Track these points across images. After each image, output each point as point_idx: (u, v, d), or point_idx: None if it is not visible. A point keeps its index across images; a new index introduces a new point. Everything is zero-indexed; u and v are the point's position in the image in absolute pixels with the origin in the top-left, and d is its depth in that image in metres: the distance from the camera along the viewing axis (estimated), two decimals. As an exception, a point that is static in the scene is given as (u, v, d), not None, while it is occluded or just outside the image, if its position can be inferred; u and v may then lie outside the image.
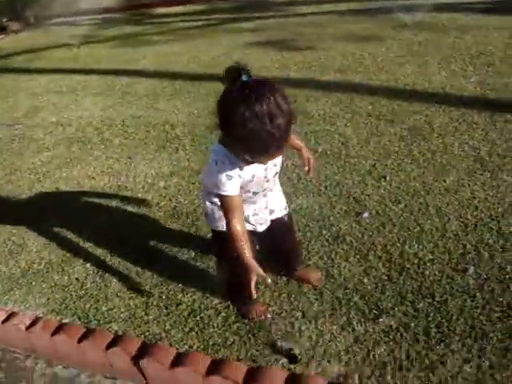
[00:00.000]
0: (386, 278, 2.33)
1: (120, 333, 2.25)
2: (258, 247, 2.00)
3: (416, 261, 2.41)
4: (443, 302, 2.15)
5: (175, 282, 2.49)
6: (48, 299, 2.54)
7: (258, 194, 1.92)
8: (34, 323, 2.30)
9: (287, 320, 2.18)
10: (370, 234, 2.63)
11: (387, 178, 3.08)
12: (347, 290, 2.29)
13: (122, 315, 2.36)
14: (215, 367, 1.91)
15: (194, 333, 2.19)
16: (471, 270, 2.30)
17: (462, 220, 2.64)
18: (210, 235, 2.67)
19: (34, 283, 2.67)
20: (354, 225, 2.71)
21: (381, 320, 2.11)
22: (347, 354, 1.99)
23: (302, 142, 2.12)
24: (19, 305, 2.53)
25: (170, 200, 3.20)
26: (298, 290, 2.32)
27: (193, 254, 2.67)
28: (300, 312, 2.21)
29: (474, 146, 3.32)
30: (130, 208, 3.20)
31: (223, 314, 2.26)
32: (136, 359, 2.01)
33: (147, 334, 2.23)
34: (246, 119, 1.43)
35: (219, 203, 1.85)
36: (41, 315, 2.42)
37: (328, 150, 3.50)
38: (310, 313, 2.19)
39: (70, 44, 8.16)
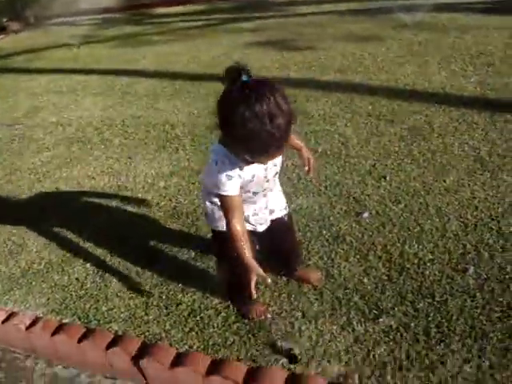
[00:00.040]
0: (386, 277, 2.33)
1: (120, 333, 2.25)
2: (257, 247, 2.00)
3: (416, 261, 2.41)
4: (443, 302, 2.15)
5: (175, 282, 2.49)
6: (48, 299, 2.54)
7: (258, 194, 1.92)
8: (33, 323, 2.30)
9: (287, 320, 2.18)
10: (370, 233, 2.63)
11: (387, 178, 3.08)
12: (347, 290, 2.29)
13: (122, 315, 2.36)
14: (215, 367, 1.91)
15: (193, 333, 2.19)
16: (471, 269, 2.30)
17: (462, 220, 2.64)
18: (209, 235, 2.67)
19: (33, 283, 2.67)
20: (354, 225, 2.71)
21: (381, 320, 2.11)
22: (347, 353, 1.99)
23: (302, 142, 2.12)
24: (19, 305, 2.53)
25: (170, 200, 3.20)
26: (298, 290, 2.32)
27: (193, 254, 2.68)
28: (300, 312, 2.21)
29: (474, 146, 3.32)
30: (129, 208, 3.20)
31: (223, 314, 2.26)
32: (136, 359, 2.01)
33: (147, 333, 2.23)
34: (246, 119, 1.43)
35: (219, 203, 1.85)
36: (41, 315, 2.42)
37: (328, 150, 3.50)
38: (310, 313, 2.19)
39: (70, 44, 8.16)
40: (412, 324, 2.07)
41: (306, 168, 2.12)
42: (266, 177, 1.86)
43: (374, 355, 1.97)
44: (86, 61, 7.12)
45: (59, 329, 2.22)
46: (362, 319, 2.13)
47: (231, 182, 1.71)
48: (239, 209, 1.77)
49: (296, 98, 4.41)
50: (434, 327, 2.04)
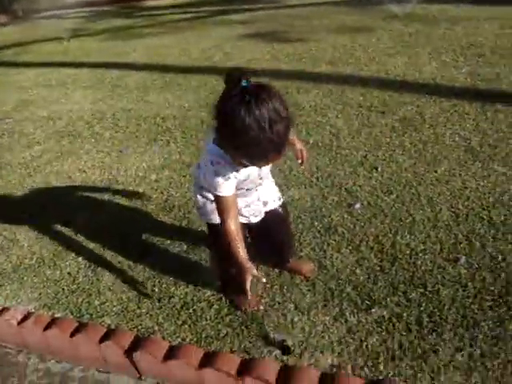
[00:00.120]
0: (378, 268, 2.34)
1: (113, 326, 2.24)
2: (249, 239, 2.00)
3: (408, 251, 2.41)
4: (435, 292, 2.16)
5: (167, 275, 2.49)
6: (40, 294, 2.53)
7: (251, 190, 1.93)
8: (25, 318, 2.28)
9: (280, 311, 2.18)
10: (362, 224, 2.64)
11: (379, 169, 3.09)
12: (340, 281, 2.29)
13: (114, 309, 2.35)
14: (208, 359, 1.91)
15: (186, 325, 2.19)
16: (463, 259, 2.31)
17: (453, 210, 2.65)
18: (201, 228, 2.69)
19: (25, 278, 2.65)
20: (345, 216, 2.72)
21: (373, 310, 2.12)
22: (340, 344, 2.00)
23: (294, 134, 2.11)
24: (11, 300, 2.52)
25: (162, 193, 3.19)
26: (291, 282, 2.32)
27: (185, 246, 2.67)
28: (292, 303, 2.21)
29: (465, 137, 3.33)
30: (121, 201, 3.18)
31: (216, 306, 2.26)
32: (129, 352, 2.00)
33: (140, 327, 2.22)
34: (247, 126, 1.42)
35: (212, 198, 1.86)
36: (33, 310, 2.41)
37: (319, 142, 3.50)
38: (303, 304, 2.20)
39: (60, 37, 8.09)
40: (404, 314, 2.08)
41: (299, 160, 2.11)
42: (259, 174, 1.86)
43: (366, 345, 1.98)
44: (75, 54, 7.08)
45: (51, 323, 2.21)
46: (355, 310, 2.14)
47: (227, 183, 1.72)
48: (234, 208, 1.78)
49: (287, 90, 4.41)
50: (426, 317, 2.05)
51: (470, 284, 2.18)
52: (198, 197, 2.01)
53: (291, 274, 2.36)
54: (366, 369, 1.89)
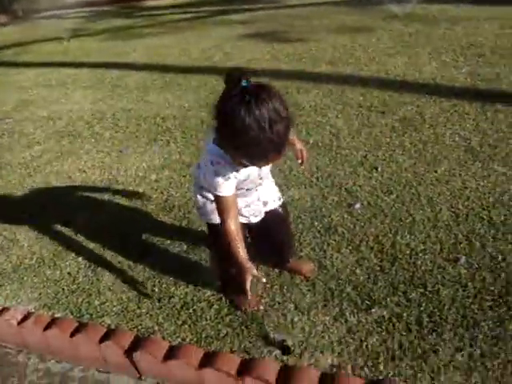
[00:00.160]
0: (378, 268, 2.34)
1: (113, 326, 2.24)
2: (249, 239, 2.00)
3: (408, 251, 2.41)
4: (435, 292, 2.16)
5: (167, 275, 2.49)
6: (40, 294, 2.53)
7: (251, 190, 1.93)
8: (25, 318, 2.28)
9: (280, 311, 2.18)
10: (362, 224, 2.64)
11: (379, 169, 3.09)
12: (340, 281, 2.29)
13: (114, 309, 2.35)
14: (208, 359, 1.91)
15: (186, 325, 2.19)
16: (463, 259, 2.31)
17: (453, 210, 2.65)
18: (201, 228, 2.69)
19: (25, 278, 2.65)
20: (345, 216, 2.72)
21: (373, 310, 2.12)
22: (340, 344, 2.00)
23: (294, 134, 2.11)
24: (11, 300, 2.52)
25: (162, 193, 3.19)
26: (291, 282, 2.32)
27: (185, 246, 2.67)
28: (292, 303, 2.21)
29: (465, 137, 3.33)
30: (121, 201, 3.18)
31: (216, 306, 2.26)
32: (129, 352, 2.01)
33: (140, 327, 2.22)
34: (247, 126, 1.42)
35: (212, 198, 1.86)
36: (33, 310, 2.41)
37: (319, 142, 3.50)
38: (303, 304, 2.20)
39: (60, 37, 8.09)
40: (404, 314, 2.08)
41: (299, 160, 2.11)
42: (259, 174, 1.87)
43: (366, 345, 1.98)
44: (75, 54, 7.08)
45: (51, 323, 2.20)
46: (355, 310, 2.14)
47: (227, 183, 1.72)
48: (234, 208, 1.79)
49: (287, 90, 4.42)
50: (426, 317, 2.05)
51: (470, 284, 2.18)
52: (198, 197, 2.01)
53: (291, 273, 2.36)
54: (366, 369, 1.89)
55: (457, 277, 2.23)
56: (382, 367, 1.88)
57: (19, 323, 2.26)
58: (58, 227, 3.01)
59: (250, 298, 1.70)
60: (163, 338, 2.14)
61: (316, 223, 2.69)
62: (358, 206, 2.77)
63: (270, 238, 2.19)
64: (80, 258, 2.72)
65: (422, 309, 2.09)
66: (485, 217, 2.57)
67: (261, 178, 1.90)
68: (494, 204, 2.66)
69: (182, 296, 2.35)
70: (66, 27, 8.86)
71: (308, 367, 1.90)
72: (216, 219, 1.92)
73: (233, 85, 1.47)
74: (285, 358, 1.97)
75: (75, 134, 4.32)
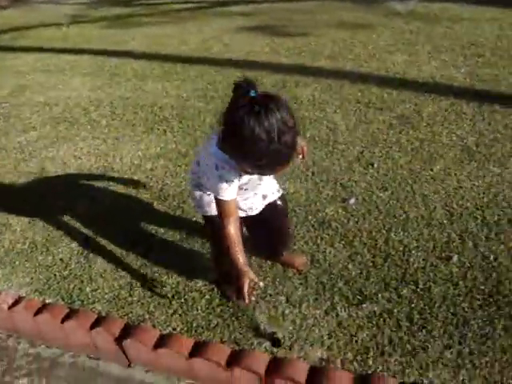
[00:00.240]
0: (370, 264, 2.35)
1: (104, 313, 2.24)
2: (245, 231, 2.00)
3: (401, 248, 2.42)
4: (426, 290, 2.18)
5: (160, 264, 2.49)
6: (32, 279, 2.52)
7: (249, 189, 1.93)
8: (16, 303, 2.28)
9: (271, 304, 2.18)
10: (356, 220, 2.64)
11: (375, 165, 3.09)
12: (332, 276, 2.30)
13: (105, 296, 2.35)
14: (198, 349, 1.92)
15: (177, 315, 2.20)
16: (455, 258, 2.32)
17: (447, 209, 2.66)
18: (195, 218, 2.70)
19: (17, 263, 2.65)
20: (340, 211, 2.72)
21: (364, 306, 2.13)
22: (330, 338, 2.01)
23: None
24: (2, 284, 2.51)
25: (157, 182, 3.18)
26: (283, 275, 2.33)
27: (178, 236, 2.67)
28: (284, 296, 2.22)
29: (462, 136, 3.33)
30: (116, 189, 3.17)
31: (207, 296, 2.27)
32: (119, 340, 2.01)
33: (131, 315, 2.23)
34: (256, 137, 1.41)
35: (209, 192, 1.89)
36: (24, 295, 2.41)
37: (316, 136, 3.50)
38: (294, 297, 2.20)
39: (59, 23, 8.04)
40: (395, 310, 2.09)
41: (300, 156, 2.11)
42: (260, 178, 1.88)
43: (356, 340, 1.99)
44: (75, 40, 7.02)
45: (42, 309, 2.21)
46: (346, 304, 2.15)
47: (230, 188, 1.73)
48: (235, 212, 1.79)
49: (286, 84, 4.41)
50: (417, 314, 2.06)
51: (461, 282, 2.19)
52: (195, 189, 2.01)
53: (284, 266, 2.36)
54: (355, 363, 1.90)
55: (448, 275, 2.24)
56: (371, 362, 1.90)
57: (10, 307, 2.26)
58: (52, 213, 3.00)
59: (247, 302, 1.70)
60: (154, 326, 2.14)
61: (310, 217, 2.69)
62: (352, 201, 2.78)
63: (267, 229, 2.19)
64: (73, 245, 2.72)
65: (412, 305, 2.10)
66: (478, 216, 2.58)
67: (261, 180, 1.91)
68: (488, 204, 2.67)
69: (173, 285, 2.35)
70: (65, 13, 8.79)
71: (297, 360, 1.91)
72: (212, 211, 1.93)
73: (241, 95, 1.46)
74: (275, 350, 1.98)
75: (72, 120, 4.30)
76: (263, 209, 2.08)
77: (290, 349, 1.98)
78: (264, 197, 2.07)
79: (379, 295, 2.17)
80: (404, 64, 4.66)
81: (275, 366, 1.83)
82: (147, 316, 2.21)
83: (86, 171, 3.44)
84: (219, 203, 1.77)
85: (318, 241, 2.52)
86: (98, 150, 3.70)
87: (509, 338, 1.92)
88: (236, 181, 1.73)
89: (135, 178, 3.26)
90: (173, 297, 2.29)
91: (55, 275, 2.53)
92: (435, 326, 2.00)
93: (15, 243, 2.80)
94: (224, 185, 1.71)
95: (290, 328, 2.06)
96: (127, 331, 2.04)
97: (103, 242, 2.71)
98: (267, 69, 4.81)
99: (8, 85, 5.40)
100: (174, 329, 2.13)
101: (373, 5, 6.95)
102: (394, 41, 5.35)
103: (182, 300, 2.26)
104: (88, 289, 2.41)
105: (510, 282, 2.17)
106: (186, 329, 2.12)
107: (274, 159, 1.49)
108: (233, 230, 1.76)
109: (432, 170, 3.00)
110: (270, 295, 2.23)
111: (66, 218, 2.94)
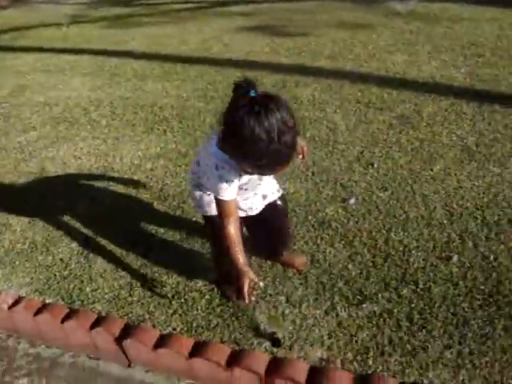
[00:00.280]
0: (370, 264, 2.35)
1: (104, 314, 2.24)
2: (245, 231, 2.00)
3: (401, 248, 2.42)
4: (426, 290, 2.18)
5: (160, 264, 2.49)
6: (32, 279, 2.52)
7: (249, 189, 1.93)
8: (16, 303, 2.28)
9: (271, 304, 2.18)
10: (356, 220, 2.64)
11: (375, 165, 3.09)
12: (332, 276, 2.30)
13: (105, 296, 2.35)
14: (198, 349, 1.92)
15: (177, 315, 2.20)
16: (455, 258, 2.32)
17: (447, 209, 2.66)
18: (195, 218, 2.70)
19: (17, 263, 2.65)
20: (340, 211, 2.72)
21: (364, 306, 2.13)
22: (330, 338, 2.01)
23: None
24: (2, 284, 2.51)
25: (157, 182, 3.18)
26: (283, 275, 2.33)
27: (178, 236, 2.67)
28: (284, 296, 2.22)
29: (462, 136, 3.33)
30: (116, 189, 3.17)
31: (207, 296, 2.27)
32: (119, 340, 2.01)
33: (131, 315, 2.23)
34: (256, 137, 1.41)
35: (209, 192, 1.89)
36: (24, 295, 2.41)
37: (316, 136, 3.50)
38: (294, 297, 2.21)
39: (59, 23, 8.03)
40: (395, 310, 2.09)
41: (300, 156, 2.11)
42: (260, 177, 1.88)
43: (356, 340, 1.99)
44: (75, 41, 7.02)
45: (42, 309, 2.21)
46: (346, 304, 2.15)
47: (230, 188, 1.73)
48: (235, 212, 1.80)
49: (286, 84, 4.41)
50: (417, 314, 2.06)
51: (461, 283, 2.19)
52: (195, 189, 2.02)
53: (284, 266, 2.36)
54: (355, 363, 1.90)
55: (448, 275, 2.24)
56: (371, 362, 1.90)
57: (10, 307, 2.26)
58: (52, 213, 3.00)
59: (247, 302, 1.70)
60: (154, 326, 2.14)
61: (310, 217, 2.69)
62: (352, 201, 2.78)
63: (267, 229, 2.18)
64: (73, 245, 2.72)
65: (412, 305, 2.10)
66: (478, 216, 2.58)
67: (261, 180, 1.91)
68: (488, 204, 2.66)
69: (173, 285, 2.35)
70: (65, 13, 8.79)
71: (297, 360, 1.91)
72: (212, 211, 1.94)
73: (241, 95, 1.46)
74: (275, 350, 1.98)
75: (72, 120, 4.30)
76: (263, 209, 2.08)
77: (290, 349, 1.98)
78: (264, 197, 2.07)
79: (379, 295, 2.17)
80: (404, 64, 4.66)
81: (275, 365, 1.83)
82: (147, 316, 2.21)
83: (86, 171, 3.44)
84: (219, 203, 1.77)
85: (318, 241, 2.52)
86: (98, 150, 3.70)
87: (509, 338, 1.92)
88: (236, 181, 1.73)
89: (135, 178, 3.26)
90: (173, 297, 2.29)
91: (55, 275, 2.53)
92: (435, 326, 2.00)
93: (15, 243, 2.80)
94: (224, 185, 1.71)
95: (290, 328, 2.06)
96: (127, 331, 2.04)
97: (103, 242, 2.71)
98: (267, 69, 4.81)
99: (8, 85, 5.40)
100: (174, 329, 2.13)
101: (373, 5, 6.95)
102: (394, 41, 5.35)
103: (182, 300, 2.26)
104: (88, 289, 2.41)
105: (510, 282, 2.17)
106: (185, 329, 2.12)
107: (274, 159, 1.49)
108: (233, 229, 1.76)
109: (432, 169, 3.00)
110: (270, 295, 2.23)
111: (66, 218, 2.94)
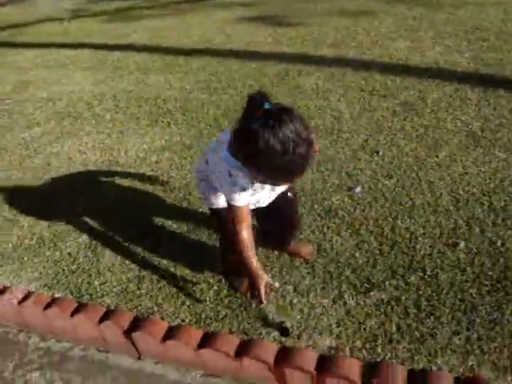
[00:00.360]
0: (377, 252, 2.34)
1: (112, 307, 2.25)
2: (255, 222, 2.01)
3: (407, 235, 2.42)
4: (434, 276, 2.17)
5: (167, 256, 2.50)
6: (40, 274, 2.54)
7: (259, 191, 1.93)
8: (26, 298, 2.30)
9: (279, 293, 2.19)
10: (362, 208, 2.64)
11: (380, 153, 3.08)
12: (339, 264, 2.30)
13: (114, 289, 2.36)
14: (207, 340, 1.93)
15: (186, 306, 2.20)
16: (462, 244, 2.32)
17: (453, 195, 2.65)
18: (201, 210, 2.70)
19: (25, 258, 2.66)
20: (346, 199, 2.72)
21: (372, 293, 2.13)
22: (338, 326, 2.01)
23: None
24: (11, 280, 2.53)
25: (162, 175, 3.19)
26: (290, 264, 2.33)
27: (185, 228, 2.67)
28: (292, 286, 2.22)
29: (467, 122, 3.31)
30: (121, 183, 3.18)
31: (215, 287, 2.27)
32: (128, 333, 2.02)
33: (139, 307, 2.24)
34: (271, 149, 1.41)
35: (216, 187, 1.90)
36: (33, 290, 2.42)
37: (321, 125, 3.49)
38: (302, 286, 2.21)
39: (60, 18, 8.02)
40: (403, 297, 2.09)
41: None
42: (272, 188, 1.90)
43: (364, 328, 1.99)
44: (76, 35, 7.01)
45: (51, 303, 2.22)
46: (354, 293, 2.15)
47: (244, 195, 1.74)
48: (247, 218, 1.81)
49: (288, 73, 4.39)
50: (425, 300, 2.06)
51: (468, 269, 2.19)
52: (201, 183, 2.03)
53: (291, 256, 2.37)
54: (363, 351, 1.91)
55: (456, 261, 2.24)
56: (379, 350, 1.90)
57: (20, 303, 2.28)
58: (59, 208, 3.02)
59: (265, 303, 1.73)
60: (162, 318, 2.15)
61: (316, 206, 2.69)
62: (358, 189, 2.77)
63: (279, 218, 2.18)
64: (80, 239, 2.73)
65: (420, 292, 2.10)
66: (485, 202, 2.57)
67: (273, 190, 1.93)
68: (495, 190, 2.65)
69: (181, 277, 2.36)
70: (65, 8, 8.78)
71: (306, 349, 1.91)
72: (219, 204, 1.96)
73: (255, 107, 1.46)
74: (283, 339, 1.99)
75: (75, 115, 4.30)
76: (276, 198, 2.08)
77: (299, 338, 1.98)
78: (273, 188, 2.06)
79: (387, 283, 2.17)
80: (407, 50, 4.63)
81: (284, 355, 1.84)
82: (156, 308, 2.22)
83: (92, 166, 3.45)
84: (232, 209, 1.79)
85: (325, 230, 2.52)
86: (103, 144, 3.71)
87: (517, 323, 1.92)
88: (249, 189, 1.74)
89: (141, 171, 3.27)
90: (181, 289, 2.30)
91: (63, 270, 2.54)
92: (443, 313, 2.00)
93: (23, 239, 2.81)
94: (237, 191, 1.72)
95: (298, 317, 2.07)
96: (136, 324, 2.05)
97: (110, 235, 2.73)
98: (270, 59, 4.79)
99: (10, 81, 5.41)
100: (183, 320, 2.14)
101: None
102: (397, 27, 5.31)
103: (190, 291, 2.27)
104: (96, 282, 2.42)
105: (517, 267, 2.17)
106: (194, 320, 2.13)
107: (290, 170, 1.50)
108: (246, 235, 1.78)
109: (437, 156, 2.99)
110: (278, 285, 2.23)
111: (73, 213, 2.95)
